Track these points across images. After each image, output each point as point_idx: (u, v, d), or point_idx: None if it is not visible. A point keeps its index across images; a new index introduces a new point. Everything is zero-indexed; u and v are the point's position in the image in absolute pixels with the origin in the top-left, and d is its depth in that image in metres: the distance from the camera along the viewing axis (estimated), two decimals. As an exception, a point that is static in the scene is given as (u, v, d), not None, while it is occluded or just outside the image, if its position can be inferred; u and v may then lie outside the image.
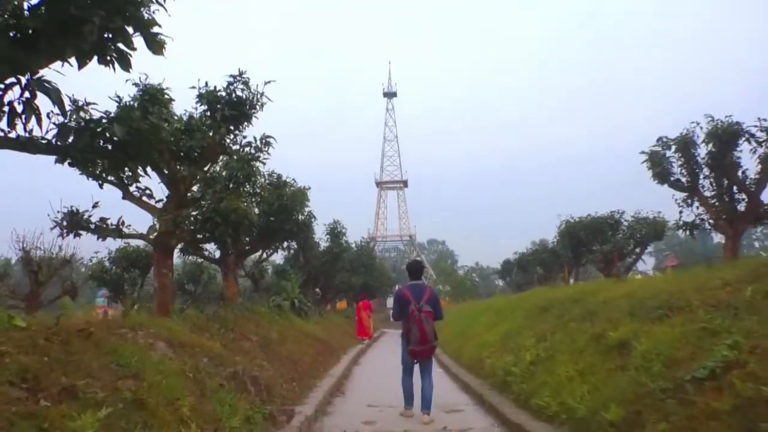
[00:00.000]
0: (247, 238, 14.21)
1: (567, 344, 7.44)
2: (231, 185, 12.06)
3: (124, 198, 8.95)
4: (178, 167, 8.59)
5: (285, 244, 20.42)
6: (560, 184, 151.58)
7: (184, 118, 9.19)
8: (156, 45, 4.40)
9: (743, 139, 12.44)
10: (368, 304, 24.16)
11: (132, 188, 8.97)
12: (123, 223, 8.63)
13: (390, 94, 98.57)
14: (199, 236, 9.34)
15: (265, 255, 18.82)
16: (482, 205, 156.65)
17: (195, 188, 9.88)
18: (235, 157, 9.68)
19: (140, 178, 8.94)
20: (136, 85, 8.16)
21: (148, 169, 8.94)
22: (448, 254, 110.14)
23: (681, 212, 13.90)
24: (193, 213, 9.00)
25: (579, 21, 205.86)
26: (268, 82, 8.92)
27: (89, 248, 19.81)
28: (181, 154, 8.61)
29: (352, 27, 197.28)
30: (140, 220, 9.34)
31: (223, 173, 12.95)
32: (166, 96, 8.31)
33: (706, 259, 18.90)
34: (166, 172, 8.54)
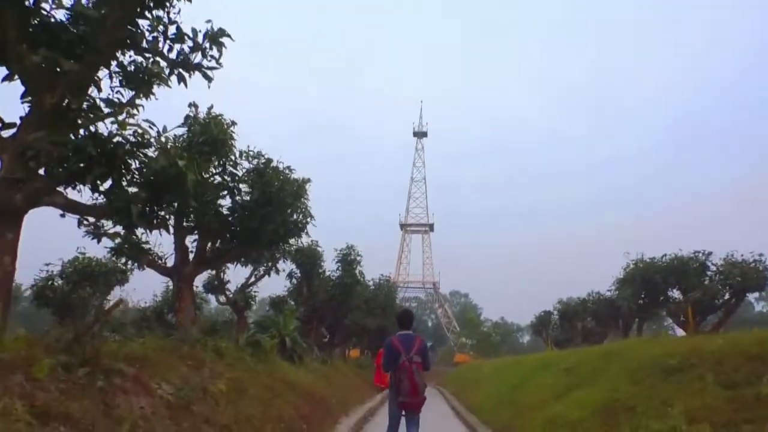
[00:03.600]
0: (218, 241, 10.00)
1: None
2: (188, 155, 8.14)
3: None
4: (40, 60, 4.55)
5: (281, 266, 16.17)
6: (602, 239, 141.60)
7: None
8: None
9: None
10: (387, 353, 20.25)
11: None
12: None
13: (420, 134, 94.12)
14: (62, 188, 4.95)
15: (253, 278, 14.57)
16: (509, 258, 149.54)
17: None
18: (149, 57, 5.52)
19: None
20: None
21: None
22: (471, 307, 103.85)
23: None
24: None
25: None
26: None
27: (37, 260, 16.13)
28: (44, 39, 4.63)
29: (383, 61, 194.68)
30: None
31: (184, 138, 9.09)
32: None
33: None
34: (13, 62, 4.52)
